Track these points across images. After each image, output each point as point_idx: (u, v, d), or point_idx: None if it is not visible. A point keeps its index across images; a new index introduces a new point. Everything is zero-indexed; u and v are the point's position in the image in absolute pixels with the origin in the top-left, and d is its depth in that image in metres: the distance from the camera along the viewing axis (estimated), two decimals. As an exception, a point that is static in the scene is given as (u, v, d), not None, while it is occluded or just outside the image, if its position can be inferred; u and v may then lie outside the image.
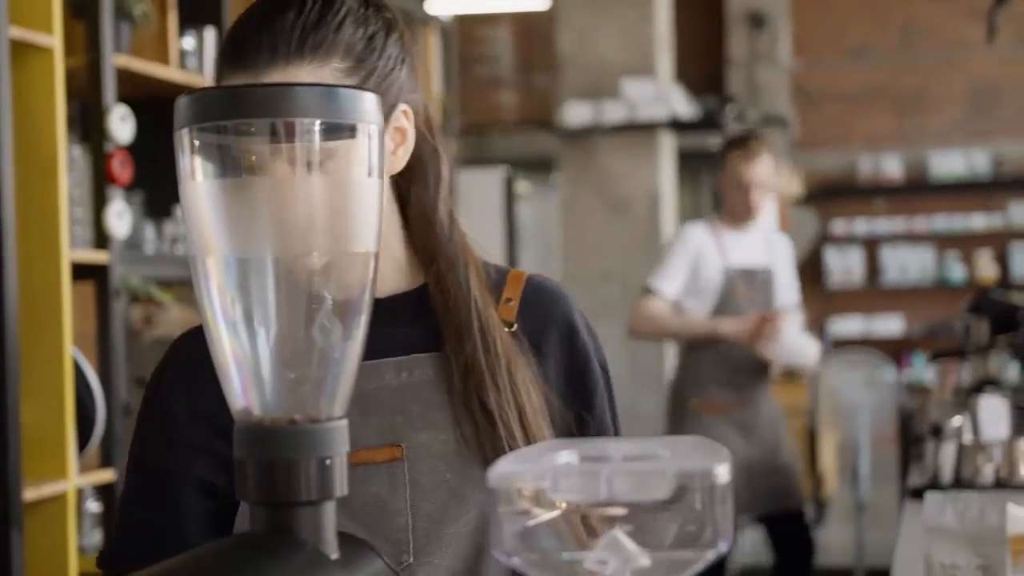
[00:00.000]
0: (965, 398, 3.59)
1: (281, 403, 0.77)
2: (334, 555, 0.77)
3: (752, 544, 5.45)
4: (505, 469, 0.72)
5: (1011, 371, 3.94)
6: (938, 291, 9.74)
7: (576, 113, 6.21)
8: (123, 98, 3.10)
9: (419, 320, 1.25)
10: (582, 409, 1.30)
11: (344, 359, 0.78)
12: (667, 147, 6.38)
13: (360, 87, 0.85)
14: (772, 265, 4.23)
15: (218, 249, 0.77)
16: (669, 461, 0.71)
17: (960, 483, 2.66)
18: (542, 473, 0.71)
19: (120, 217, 3.05)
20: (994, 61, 9.55)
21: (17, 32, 2.69)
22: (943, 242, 9.79)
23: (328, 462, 0.76)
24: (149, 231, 3.32)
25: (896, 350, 9.35)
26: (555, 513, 0.72)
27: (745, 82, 9.69)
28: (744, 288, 4.14)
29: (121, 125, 3.04)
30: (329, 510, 0.77)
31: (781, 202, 8.23)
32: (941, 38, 9.76)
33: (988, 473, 2.67)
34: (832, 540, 6.44)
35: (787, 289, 4.31)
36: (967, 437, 2.80)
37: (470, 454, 1.22)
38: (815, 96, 9.92)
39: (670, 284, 4.11)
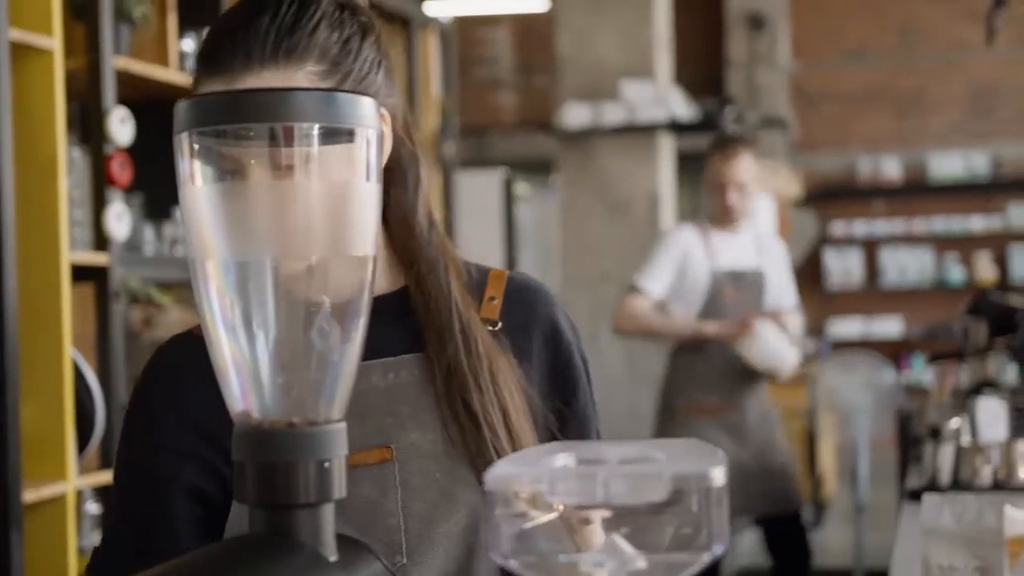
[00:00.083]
0: (963, 400, 3.60)
1: (280, 406, 0.77)
2: (333, 557, 0.77)
3: (750, 546, 5.45)
4: (502, 472, 0.73)
5: (1009, 373, 3.95)
6: (937, 292, 9.75)
7: (575, 115, 6.21)
8: (123, 100, 3.10)
9: (401, 322, 1.26)
10: (564, 404, 1.31)
11: (342, 362, 0.79)
12: (666, 149, 6.38)
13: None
14: (762, 267, 4.22)
15: (217, 253, 0.77)
16: (665, 464, 0.72)
17: (958, 485, 2.67)
18: (539, 476, 0.71)
19: (120, 219, 3.05)
20: (993, 62, 9.55)
21: (17, 34, 2.69)
22: (942, 243, 9.79)
23: (327, 464, 0.77)
24: (148, 233, 3.32)
25: (895, 351, 9.36)
26: (552, 516, 0.73)
27: (744, 83, 9.70)
28: (731, 290, 4.13)
29: (121, 127, 3.04)
30: (328, 512, 0.77)
31: (780, 204, 8.24)
32: (940, 39, 9.77)
33: (986, 475, 2.67)
34: (831, 541, 6.45)
35: (782, 291, 4.30)
36: (965, 439, 2.80)
37: (457, 454, 1.23)
38: (814, 97, 9.93)
39: (656, 283, 4.11)
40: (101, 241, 3.03)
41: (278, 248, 0.78)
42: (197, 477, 1.21)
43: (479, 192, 7.64)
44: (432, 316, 1.25)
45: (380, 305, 1.26)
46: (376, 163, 0.80)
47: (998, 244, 9.71)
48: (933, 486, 2.67)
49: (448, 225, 5.25)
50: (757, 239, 4.30)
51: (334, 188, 0.79)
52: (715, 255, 4.14)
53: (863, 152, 9.92)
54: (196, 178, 0.78)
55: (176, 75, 3.32)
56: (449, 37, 5.43)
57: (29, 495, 2.67)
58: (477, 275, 1.32)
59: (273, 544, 0.76)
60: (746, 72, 9.73)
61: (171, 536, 1.20)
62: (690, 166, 8.47)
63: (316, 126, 0.77)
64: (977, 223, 9.66)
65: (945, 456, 2.74)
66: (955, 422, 2.87)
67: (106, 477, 3.03)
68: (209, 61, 1.17)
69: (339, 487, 0.77)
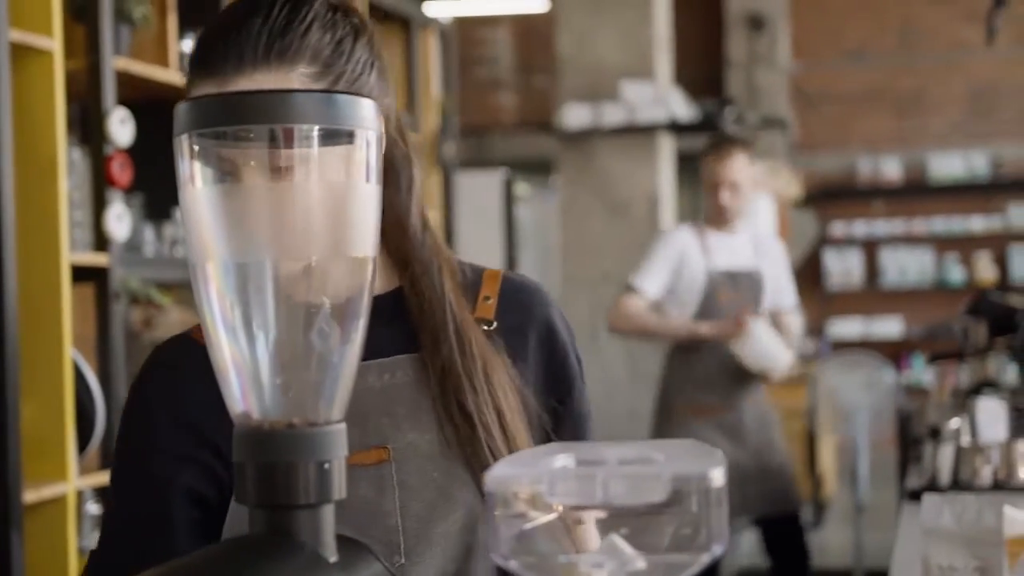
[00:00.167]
0: (963, 400, 3.60)
1: (280, 407, 0.77)
2: (333, 558, 0.78)
3: (750, 546, 5.45)
4: (501, 473, 0.73)
5: (1009, 373, 3.94)
6: (937, 293, 9.75)
7: (575, 115, 6.21)
8: (123, 101, 3.11)
9: (396, 322, 1.26)
10: (559, 403, 1.31)
11: (342, 363, 0.79)
12: (666, 149, 6.38)
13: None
14: (760, 268, 4.21)
15: (217, 254, 0.77)
16: (664, 465, 0.72)
17: (958, 485, 2.67)
18: (538, 477, 0.72)
19: (120, 219, 3.05)
20: (993, 63, 9.55)
21: (17, 35, 2.69)
22: (942, 244, 9.80)
23: (327, 465, 0.77)
24: (149, 233, 3.32)
25: (895, 352, 9.36)
26: (551, 516, 0.73)
27: (744, 84, 9.70)
28: (727, 290, 4.13)
29: (121, 128, 3.05)
30: (328, 513, 0.78)
31: (780, 204, 8.24)
32: (940, 40, 9.77)
33: (986, 475, 2.68)
34: (831, 541, 6.45)
35: (781, 292, 4.30)
36: (965, 439, 2.80)
37: (454, 454, 1.23)
38: (814, 98, 9.93)
39: (651, 283, 4.11)
40: (101, 242, 3.03)
41: (278, 249, 0.78)
42: (194, 480, 1.21)
43: (479, 192, 7.64)
44: (426, 317, 1.25)
45: (375, 306, 1.26)
46: (376, 164, 0.80)
47: (998, 244, 9.71)
48: (933, 486, 2.67)
49: (448, 225, 5.25)
50: (755, 239, 4.30)
51: (334, 189, 0.80)
52: (711, 255, 4.14)
53: (863, 152, 9.92)
54: (196, 180, 0.78)
55: (176, 76, 3.33)
56: (449, 37, 5.44)
57: (29, 495, 2.68)
58: (472, 275, 1.32)
59: (273, 545, 0.76)
60: (746, 72, 9.73)
61: (168, 539, 1.21)
62: (690, 167, 8.46)
63: (316, 128, 0.77)
64: (977, 223, 9.66)
65: (945, 456, 2.74)
66: (955, 422, 2.87)
67: (106, 478, 3.03)
68: (201, 63, 1.17)
69: (339, 488, 0.77)
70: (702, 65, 9.71)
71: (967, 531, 1.71)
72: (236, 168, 0.82)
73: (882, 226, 9.84)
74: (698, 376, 4.11)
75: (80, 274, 2.95)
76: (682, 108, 6.35)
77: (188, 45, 3.43)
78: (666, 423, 4.15)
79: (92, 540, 3.13)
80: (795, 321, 4.44)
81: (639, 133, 6.20)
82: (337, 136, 0.78)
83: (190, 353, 1.23)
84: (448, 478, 1.22)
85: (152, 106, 3.20)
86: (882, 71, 9.87)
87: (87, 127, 3.11)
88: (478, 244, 7.22)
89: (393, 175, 1.26)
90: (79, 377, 2.87)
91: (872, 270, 9.93)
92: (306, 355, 0.78)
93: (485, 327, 1.28)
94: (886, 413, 5.37)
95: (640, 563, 0.71)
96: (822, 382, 5.62)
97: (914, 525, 2.20)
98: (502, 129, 10.27)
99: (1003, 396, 3.42)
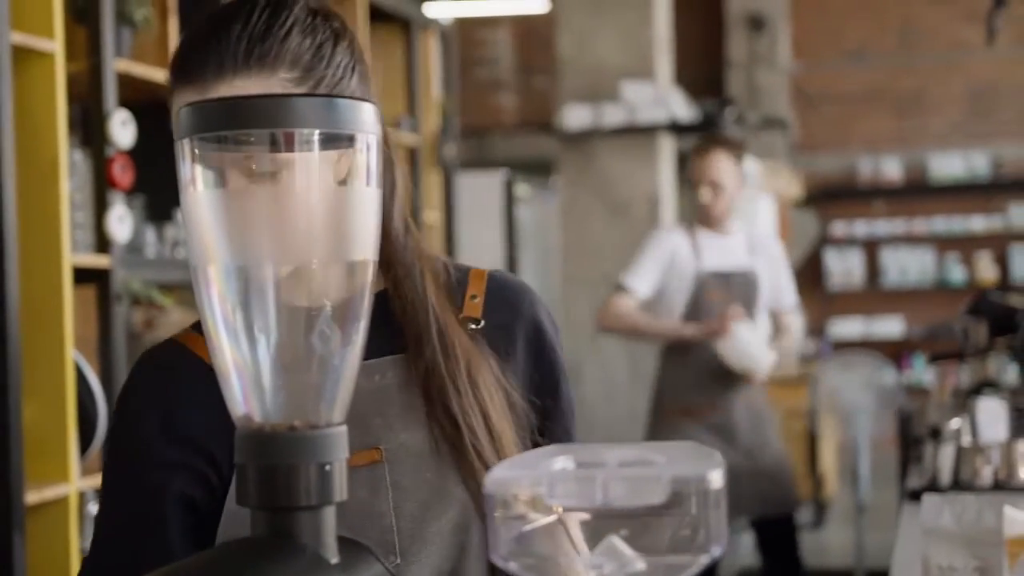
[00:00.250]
0: (964, 400, 3.60)
1: (281, 409, 0.78)
2: (334, 559, 0.78)
3: (749, 546, 5.45)
4: (501, 475, 0.73)
5: (1010, 373, 3.94)
6: (938, 293, 9.75)
7: (576, 116, 6.21)
8: (124, 102, 3.11)
9: (382, 325, 1.27)
10: (547, 399, 1.32)
11: (343, 365, 0.79)
12: (666, 150, 6.38)
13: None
14: (755, 268, 4.20)
15: (219, 257, 0.78)
16: (664, 467, 0.72)
17: (959, 485, 2.67)
18: (538, 479, 0.72)
19: (121, 221, 3.05)
20: (993, 63, 9.56)
21: (18, 37, 2.70)
22: (943, 244, 9.80)
23: (328, 467, 0.77)
24: (150, 235, 3.32)
25: (896, 352, 9.36)
26: (551, 518, 0.73)
27: (745, 84, 9.70)
28: (717, 291, 4.12)
29: (122, 129, 3.05)
30: (329, 515, 0.78)
31: (781, 204, 8.24)
32: (940, 40, 9.77)
33: (986, 475, 2.68)
34: (832, 541, 6.45)
35: (780, 292, 4.29)
36: (966, 439, 2.81)
37: (444, 454, 1.24)
38: (814, 98, 9.93)
39: (642, 282, 4.11)
40: (103, 243, 3.03)
41: (279, 253, 0.78)
42: (187, 486, 1.22)
43: (480, 193, 7.64)
44: (409, 320, 1.26)
45: None
46: (376, 168, 0.80)
47: (999, 244, 9.72)
48: (933, 486, 2.67)
49: (448, 226, 5.25)
50: (751, 239, 4.28)
51: (335, 193, 0.80)
52: (702, 256, 4.14)
53: (863, 152, 9.92)
54: (198, 183, 0.78)
55: (177, 77, 3.32)
56: (449, 38, 5.44)
57: (31, 496, 2.68)
58: (457, 274, 1.33)
59: (274, 546, 0.76)
60: (746, 73, 9.73)
61: (163, 543, 1.21)
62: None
63: (316, 132, 0.77)
64: (978, 223, 9.67)
65: (945, 456, 2.74)
66: (955, 422, 2.87)
67: (108, 479, 3.03)
68: (182, 70, 1.18)
69: (340, 490, 0.78)
70: (702, 65, 9.71)
71: (967, 531, 1.71)
72: (238, 172, 0.83)
73: (883, 226, 9.85)
74: (688, 377, 4.10)
75: (82, 275, 2.96)
76: (682, 109, 6.35)
77: (189, 47, 3.43)
78: (658, 424, 4.15)
79: (94, 541, 3.13)
80: (796, 321, 4.43)
81: (639, 134, 6.20)
82: (338, 140, 0.79)
83: (179, 358, 1.24)
84: (440, 477, 1.23)
85: (153, 108, 3.18)
86: (882, 71, 9.87)
87: (88, 129, 3.11)
88: (478, 245, 7.22)
89: None
90: (81, 378, 2.87)
91: (873, 270, 9.94)
92: (307, 358, 0.79)
93: (473, 325, 1.29)
94: (887, 413, 5.37)
95: (640, 564, 0.71)
96: (823, 382, 5.62)
97: (914, 525, 2.21)
98: (502, 130, 10.27)
99: (1003, 396, 3.42)
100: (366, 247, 0.80)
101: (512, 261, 7.78)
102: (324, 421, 0.78)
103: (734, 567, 5.53)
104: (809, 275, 9.61)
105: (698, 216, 4.21)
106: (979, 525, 1.70)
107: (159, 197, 3.36)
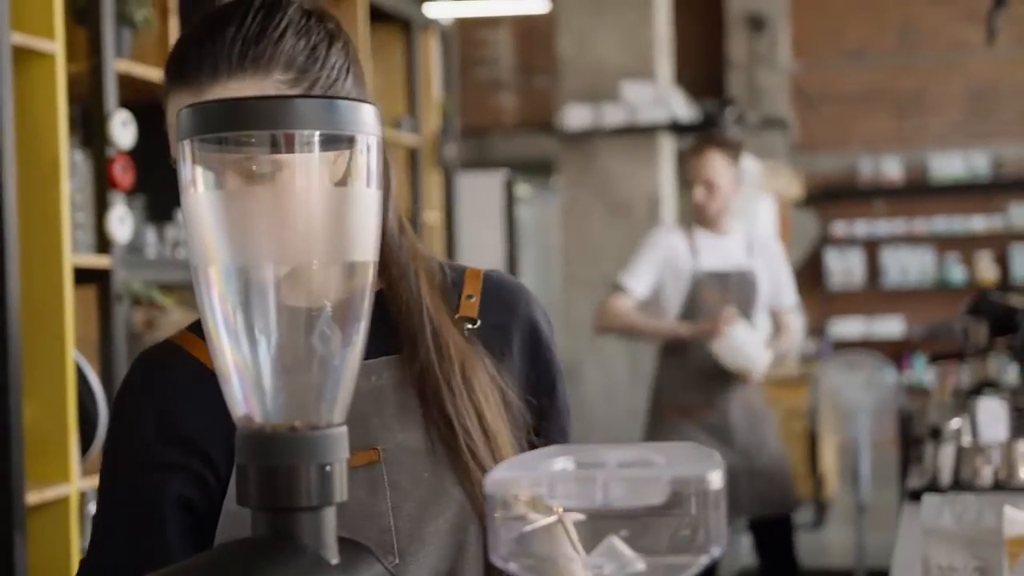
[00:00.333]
0: (964, 400, 3.60)
1: (282, 410, 0.78)
2: (334, 560, 0.78)
3: (749, 547, 5.46)
4: (501, 475, 0.73)
5: (1010, 373, 3.94)
6: (938, 293, 9.76)
7: (576, 116, 6.22)
8: (124, 103, 3.11)
9: (379, 325, 1.27)
10: (543, 398, 1.32)
11: (343, 366, 0.80)
12: (667, 150, 6.38)
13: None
14: (753, 268, 4.20)
15: (219, 258, 0.78)
16: (664, 467, 0.73)
17: (959, 485, 2.67)
18: (538, 479, 0.72)
19: (122, 221, 3.06)
20: (993, 63, 9.56)
21: (19, 38, 2.70)
22: (943, 244, 9.80)
23: (328, 468, 0.77)
24: (150, 235, 3.32)
25: (896, 352, 9.36)
26: (551, 519, 0.73)
27: (745, 84, 9.70)
28: (713, 291, 4.12)
29: (123, 130, 3.05)
30: (329, 515, 0.78)
31: (781, 204, 8.24)
32: (940, 40, 9.77)
33: (986, 475, 2.68)
34: (833, 541, 6.45)
35: (779, 292, 4.29)
36: (966, 439, 2.81)
37: (440, 453, 1.24)
38: (815, 98, 9.93)
39: (639, 282, 4.11)
40: (103, 244, 3.04)
41: (280, 254, 0.78)
42: (184, 487, 1.22)
43: (480, 193, 7.65)
44: (404, 320, 1.26)
45: None
46: (377, 169, 0.81)
47: (999, 244, 9.72)
48: (934, 486, 2.67)
49: (449, 226, 5.25)
50: (750, 239, 4.28)
51: (335, 194, 0.80)
52: (699, 256, 4.14)
53: (864, 152, 9.92)
54: (198, 184, 0.78)
55: (177, 78, 3.33)
56: (450, 38, 5.44)
57: (32, 497, 2.68)
58: (453, 274, 1.33)
59: (275, 547, 0.77)
60: (746, 73, 9.73)
61: (161, 544, 1.21)
62: (691, 167, 8.48)
63: (317, 133, 0.77)
64: (978, 223, 9.67)
65: (946, 456, 2.74)
66: (956, 422, 2.87)
67: (108, 479, 3.03)
68: (177, 73, 1.18)
69: (340, 490, 0.78)
70: (703, 66, 9.72)
71: (967, 531, 1.71)
72: (238, 173, 0.83)
73: (883, 226, 9.85)
74: (685, 377, 4.10)
75: (82, 276, 2.96)
76: (683, 109, 6.35)
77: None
78: (655, 424, 4.15)
79: (94, 541, 3.13)
80: (796, 321, 4.44)
81: (640, 134, 6.21)
82: (338, 141, 0.79)
83: (175, 359, 1.24)
84: (437, 477, 1.23)
85: (154, 108, 3.17)
86: (882, 71, 9.87)
87: (89, 129, 3.12)
88: (479, 245, 7.23)
89: None
90: (81, 379, 2.87)
91: (873, 270, 9.94)
92: (308, 358, 0.79)
93: (469, 325, 1.29)
94: (887, 413, 5.37)
95: (639, 565, 0.72)
96: (823, 382, 5.62)
97: (915, 525, 2.21)
98: (503, 130, 10.27)
99: (1004, 396, 3.42)
100: (366, 248, 0.80)
101: (512, 261, 7.79)
102: (324, 422, 0.78)
103: (733, 567, 5.53)
104: (809, 275, 9.61)
105: (694, 216, 4.21)
106: (979, 525, 1.71)
107: (160, 197, 3.37)
